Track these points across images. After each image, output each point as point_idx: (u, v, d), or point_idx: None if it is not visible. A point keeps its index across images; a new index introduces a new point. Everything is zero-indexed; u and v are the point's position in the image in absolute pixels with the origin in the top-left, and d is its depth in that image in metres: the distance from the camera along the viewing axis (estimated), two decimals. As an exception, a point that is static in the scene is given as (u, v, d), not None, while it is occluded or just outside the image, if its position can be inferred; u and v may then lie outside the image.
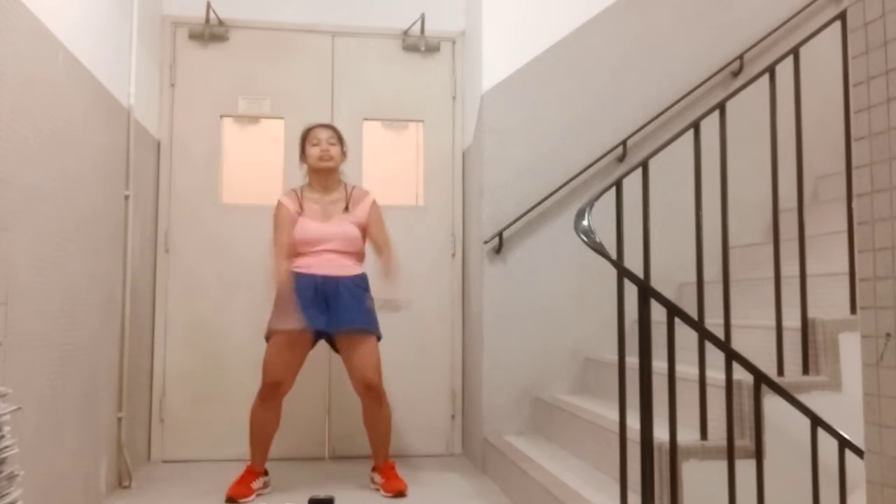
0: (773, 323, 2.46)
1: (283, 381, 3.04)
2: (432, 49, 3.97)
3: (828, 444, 2.07)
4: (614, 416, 2.61)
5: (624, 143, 3.53)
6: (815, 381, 2.35)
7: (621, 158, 3.56)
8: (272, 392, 3.04)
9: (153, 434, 3.67)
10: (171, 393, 3.70)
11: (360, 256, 3.20)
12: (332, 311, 3.07)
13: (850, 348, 2.35)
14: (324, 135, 3.18)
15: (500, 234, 3.43)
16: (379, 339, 3.14)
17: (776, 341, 2.41)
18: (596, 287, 3.48)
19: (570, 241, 3.42)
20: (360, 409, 3.17)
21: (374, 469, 3.18)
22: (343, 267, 3.11)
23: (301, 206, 3.15)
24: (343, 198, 3.20)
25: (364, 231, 3.20)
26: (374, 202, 3.23)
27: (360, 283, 3.15)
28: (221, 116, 3.84)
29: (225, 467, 3.45)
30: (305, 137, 3.22)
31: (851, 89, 1.33)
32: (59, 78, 2.40)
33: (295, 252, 3.12)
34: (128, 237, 3.20)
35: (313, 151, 3.17)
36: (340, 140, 3.23)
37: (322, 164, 3.16)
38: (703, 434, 2.26)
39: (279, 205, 3.18)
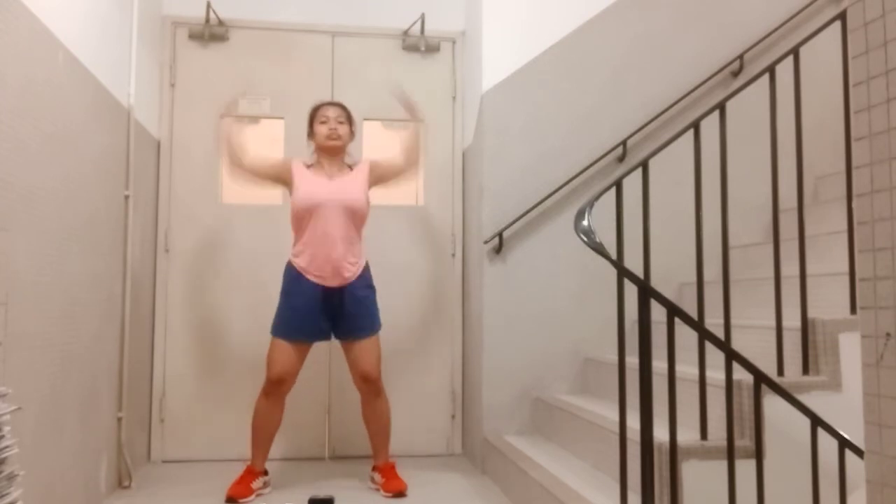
0: (773, 323, 2.46)
1: (288, 377, 3.05)
2: (432, 49, 3.97)
3: (828, 444, 2.07)
4: (614, 416, 2.61)
5: (624, 143, 3.53)
6: (815, 381, 2.35)
7: (621, 158, 3.56)
8: (276, 387, 3.04)
9: (153, 434, 3.67)
10: (171, 393, 3.70)
11: (361, 235, 3.15)
12: (336, 320, 3.08)
13: (850, 348, 2.35)
14: (332, 113, 3.17)
15: (500, 234, 3.43)
16: (379, 327, 3.15)
17: (776, 341, 2.41)
18: (596, 287, 3.48)
19: (570, 241, 3.43)
20: (360, 407, 3.17)
21: (374, 469, 3.19)
22: (346, 279, 3.08)
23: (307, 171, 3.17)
24: (347, 172, 3.20)
25: (367, 200, 3.15)
26: (371, 161, 3.24)
27: (364, 281, 3.15)
28: (222, 116, 3.84)
29: (225, 467, 3.45)
30: (314, 115, 3.21)
31: (851, 89, 1.33)
32: (59, 78, 2.40)
33: (298, 223, 3.08)
34: (128, 237, 3.20)
35: (321, 129, 3.16)
36: (349, 119, 3.22)
37: (329, 142, 3.15)
38: (703, 434, 2.26)
39: (288, 159, 3.23)
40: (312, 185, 3.09)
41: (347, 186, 3.11)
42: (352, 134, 3.23)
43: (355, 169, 3.21)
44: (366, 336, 3.09)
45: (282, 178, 3.16)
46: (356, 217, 3.11)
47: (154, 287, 3.70)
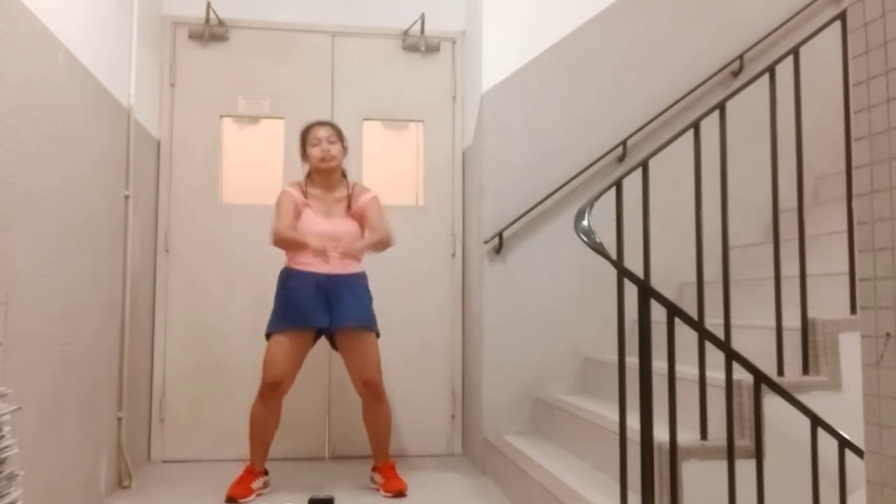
0: (773, 323, 2.46)
1: (284, 380, 3.04)
2: (432, 49, 3.97)
3: (828, 444, 2.07)
4: (614, 416, 2.61)
5: (624, 143, 3.53)
6: (815, 381, 2.35)
7: (621, 158, 3.56)
8: (272, 391, 3.04)
9: (153, 434, 3.67)
10: (171, 393, 3.70)
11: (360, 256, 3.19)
12: (332, 309, 3.07)
13: (850, 348, 2.35)
14: (323, 133, 3.17)
15: (500, 234, 3.42)
16: (377, 335, 3.14)
17: (776, 341, 2.41)
18: (596, 287, 3.47)
19: (570, 241, 3.42)
20: (360, 408, 3.17)
21: (374, 469, 3.19)
22: (344, 265, 3.11)
23: (306, 198, 3.15)
24: (345, 197, 3.20)
25: (363, 224, 3.18)
26: (374, 197, 3.21)
27: (361, 280, 3.15)
28: (221, 116, 3.84)
29: (225, 467, 3.45)
30: (305, 137, 3.21)
31: (851, 89, 1.33)
32: (59, 78, 2.40)
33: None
34: (128, 237, 3.20)
35: (314, 152, 3.16)
36: (340, 137, 3.22)
37: (324, 165, 3.15)
38: (703, 434, 2.26)
39: (284, 192, 3.17)
40: (309, 224, 3.09)
41: (343, 227, 3.13)
42: (344, 150, 3.23)
43: (355, 203, 3.17)
44: (362, 328, 3.08)
45: (298, 211, 3.13)
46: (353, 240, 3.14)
47: (154, 287, 3.70)
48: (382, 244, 3.16)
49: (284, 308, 3.07)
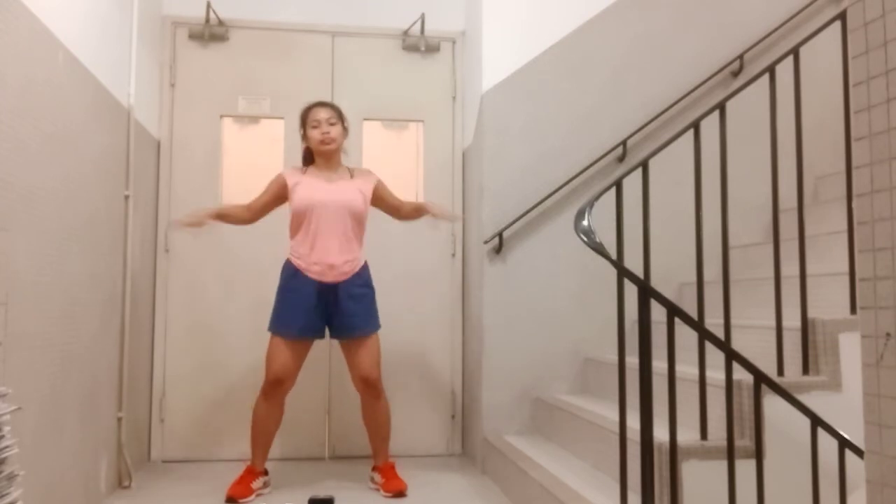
0: (773, 323, 2.46)
1: (287, 377, 3.04)
2: (432, 49, 3.97)
3: (828, 444, 2.07)
4: (614, 416, 2.61)
5: (624, 143, 3.53)
6: (815, 381, 2.35)
7: (621, 158, 3.56)
8: (275, 388, 3.04)
9: (153, 434, 3.67)
10: (171, 393, 3.70)
11: (361, 237, 3.16)
12: (333, 317, 3.07)
13: (850, 348, 2.35)
14: (323, 115, 3.16)
15: (500, 234, 3.43)
16: (379, 327, 3.15)
17: (776, 341, 2.41)
18: (596, 287, 3.48)
19: (570, 241, 3.43)
20: (360, 407, 3.17)
21: (374, 469, 3.19)
22: (343, 273, 3.07)
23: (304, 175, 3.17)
24: (347, 175, 3.21)
25: (366, 205, 3.17)
26: (379, 180, 3.25)
27: (362, 279, 3.14)
28: (221, 116, 3.84)
29: (225, 467, 3.45)
30: (305, 118, 3.21)
31: (851, 89, 1.33)
32: (59, 78, 2.40)
33: (297, 224, 3.09)
34: (128, 237, 3.20)
35: (314, 134, 3.16)
36: (341, 117, 3.21)
37: (324, 147, 3.15)
38: (703, 434, 2.26)
39: (279, 175, 3.20)
40: (310, 188, 3.10)
41: (346, 190, 3.12)
42: (345, 131, 3.23)
43: (357, 176, 3.21)
44: (363, 335, 3.09)
45: (280, 195, 3.16)
46: (354, 219, 3.11)
47: (154, 287, 3.70)
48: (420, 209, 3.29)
49: (285, 313, 3.06)
